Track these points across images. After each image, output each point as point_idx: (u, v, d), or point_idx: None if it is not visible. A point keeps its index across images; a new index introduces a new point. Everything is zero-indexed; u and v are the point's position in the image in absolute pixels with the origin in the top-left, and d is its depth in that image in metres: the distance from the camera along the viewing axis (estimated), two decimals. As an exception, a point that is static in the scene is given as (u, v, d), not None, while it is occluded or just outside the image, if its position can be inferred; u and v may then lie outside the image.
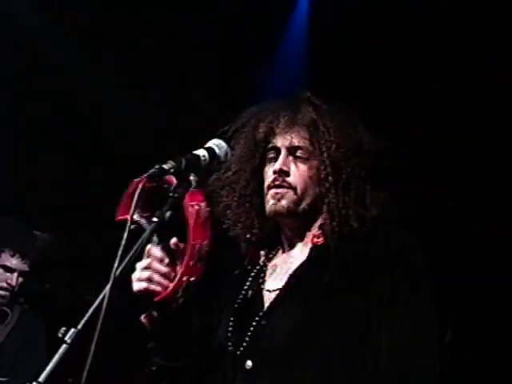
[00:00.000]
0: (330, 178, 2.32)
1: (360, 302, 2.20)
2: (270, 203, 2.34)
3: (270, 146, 2.40)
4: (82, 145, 6.03)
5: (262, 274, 2.39)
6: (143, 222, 2.11)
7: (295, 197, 2.32)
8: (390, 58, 5.40)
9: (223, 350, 2.30)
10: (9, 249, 4.26)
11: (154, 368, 2.28)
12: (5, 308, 4.29)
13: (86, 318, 1.81)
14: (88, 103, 5.91)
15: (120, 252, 1.88)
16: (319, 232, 2.34)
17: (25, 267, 4.26)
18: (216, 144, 2.23)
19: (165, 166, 2.06)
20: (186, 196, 2.10)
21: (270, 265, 2.42)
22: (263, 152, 2.42)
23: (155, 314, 2.17)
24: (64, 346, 1.76)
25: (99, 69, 5.86)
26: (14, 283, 4.20)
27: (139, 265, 2.09)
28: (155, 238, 2.09)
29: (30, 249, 4.27)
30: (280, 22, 5.85)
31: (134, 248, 1.97)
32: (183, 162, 2.10)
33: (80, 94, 5.89)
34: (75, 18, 5.56)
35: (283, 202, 2.31)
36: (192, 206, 2.09)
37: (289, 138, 2.37)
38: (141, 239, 1.98)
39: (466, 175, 5.48)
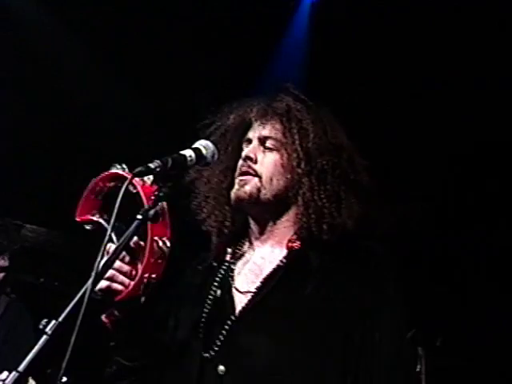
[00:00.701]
0: (302, 166, 2.28)
1: (339, 324, 2.17)
2: (234, 189, 2.32)
3: (245, 138, 2.40)
4: (80, 142, 6.06)
5: (231, 273, 2.34)
6: (103, 221, 2.15)
7: (259, 184, 2.29)
8: (389, 59, 5.44)
9: (189, 351, 2.26)
10: None
11: (115, 367, 2.26)
12: None
13: (67, 311, 1.85)
14: (85, 102, 5.95)
15: (102, 248, 1.92)
16: (294, 237, 2.30)
17: (3, 263, 4.35)
18: (203, 145, 2.24)
19: (151, 165, 2.06)
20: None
21: (237, 262, 2.37)
22: (238, 146, 2.41)
23: (117, 313, 2.15)
24: (44, 337, 1.80)
25: (98, 69, 5.91)
26: None
27: (100, 264, 2.00)
28: (115, 237, 2.07)
29: (8, 245, 4.36)
30: (280, 23, 5.89)
31: (119, 242, 2.00)
32: (169, 161, 2.11)
33: (76, 93, 5.94)
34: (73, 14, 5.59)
35: (246, 188, 2.29)
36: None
37: (260, 128, 2.36)
38: (124, 236, 2.01)
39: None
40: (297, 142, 2.31)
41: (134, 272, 2.11)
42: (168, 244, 2.08)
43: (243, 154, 2.35)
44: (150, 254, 2.06)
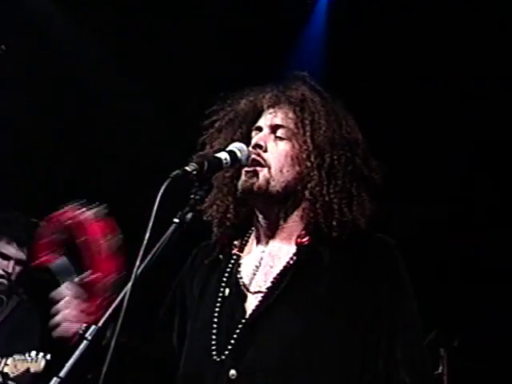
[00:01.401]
0: (312, 159, 2.18)
1: (355, 322, 2.10)
2: (241, 181, 2.22)
3: (255, 125, 2.31)
4: (94, 142, 6.05)
5: (238, 268, 2.24)
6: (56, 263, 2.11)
7: (268, 175, 2.19)
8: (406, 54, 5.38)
9: (200, 355, 2.17)
10: (6, 237, 4.32)
11: None
12: (1, 295, 4.34)
13: (106, 316, 1.82)
14: (97, 102, 5.95)
15: (141, 251, 1.88)
16: (303, 232, 2.21)
17: (21, 255, 4.29)
18: (238, 147, 2.20)
19: (187, 168, 2.02)
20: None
21: (244, 258, 2.27)
22: (247, 133, 2.32)
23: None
24: (85, 342, 1.78)
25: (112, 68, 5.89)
26: (10, 270, 4.25)
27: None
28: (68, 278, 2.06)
29: (28, 238, 4.22)
30: (297, 20, 5.84)
31: (156, 247, 1.96)
32: (206, 164, 2.07)
33: (89, 92, 5.93)
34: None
35: (254, 180, 2.19)
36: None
37: (272, 116, 2.27)
38: (162, 239, 1.97)
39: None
40: (308, 133, 2.21)
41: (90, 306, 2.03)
42: (112, 238, 2.04)
43: (253, 141, 2.25)
44: (98, 256, 2.02)
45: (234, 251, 2.29)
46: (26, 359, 3.92)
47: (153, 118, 5.95)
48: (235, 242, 2.30)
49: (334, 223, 2.13)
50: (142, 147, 5.88)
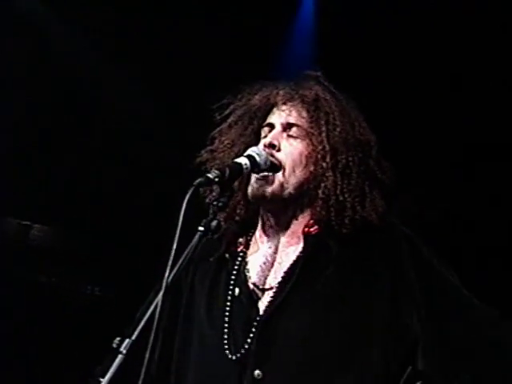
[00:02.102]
0: (327, 160, 2.18)
1: (373, 299, 2.10)
2: (253, 186, 2.20)
3: (266, 122, 2.29)
4: (91, 142, 6.03)
5: (246, 266, 2.23)
6: None
7: (282, 179, 2.18)
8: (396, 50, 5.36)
9: (214, 354, 2.15)
10: None
11: None
12: None
13: (139, 328, 1.82)
14: (102, 102, 5.93)
15: (170, 261, 1.88)
16: (311, 222, 2.20)
17: None
18: (256, 152, 2.19)
19: (210, 175, 2.04)
20: None
21: (251, 254, 2.26)
22: (258, 129, 2.31)
23: None
24: (120, 356, 1.78)
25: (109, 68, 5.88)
26: None
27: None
28: None
29: None
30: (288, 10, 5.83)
31: (183, 256, 1.96)
32: (227, 170, 2.08)
33: (89, 93, 5.92)
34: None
35: (267, 187, 2.18)
36: None
37: (285, 114, 2.26)
38: (189, 247, 1.98)
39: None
40: (323, 134, 2.22)
41: None
42: None
43: (266, 140, 2.24)
44: None
45: (240, 248, 2.28)
46: None
47: (153, 117, 5.93)
48: (240, 240, 2.29)
49: (346, 221, 2.14)
50: (142, 147, 5.87)
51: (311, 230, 2.20)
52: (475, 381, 2.04)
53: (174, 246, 1.90)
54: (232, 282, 2.22)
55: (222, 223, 2.21)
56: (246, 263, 2.24)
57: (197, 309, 2.25)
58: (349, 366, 2.07)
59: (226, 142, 2.32)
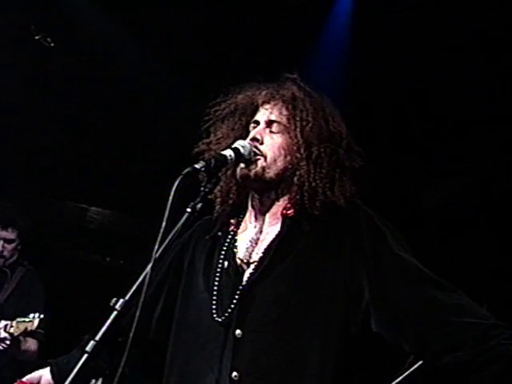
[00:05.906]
0: (301, 151, 2.51)
1: (336, 266, 2.42)
2: (240, 169, 2.55)
3: (254, 119, 2.67)
4: (142, 131, 6.31)
5: (235, 243, 2.59)
6: None
7: (264, 164, 2.53)
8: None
9: (202, 316, 2.51)
10: None
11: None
12: (4, 269, 5.25)
13: (131, 291, 2.21)
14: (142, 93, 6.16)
15: (159, 238, 2.22)
16: (288, 205, 2.54)
17: (9, 235, 5.20)
18: (241, 145, 2.55)
19: (197, 166, 2.37)
20: None
21: (240, 233, 2.61)
22: (246, 124, 2.68)
23: None
24: (115, 312, 2.18)
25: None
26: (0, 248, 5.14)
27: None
28: None
29: (9, 219, 5.21)
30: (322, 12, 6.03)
31: (172, 233, 2.29)
32: (213, 161, 2.43)
33: (140, 91, 6.15)
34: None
35: (252, 170, 2.53)
36: None
37: (268, 112, 2.63)
38: (177, 226, 2.32)
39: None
40: (298, 129, 2.55)
41: None
42: None
43: (250, 134, 2.59)
44: None
45: (231, 228, 2.66)
46: (25, 320, 4.69)
47: (153, 117, 6.13)
48: (232, 221, 2.67)
49: (318, 204, 2.49)
50: (143, 146, 6.12)
51: (288, 212, 2.55)
52: (418, 339, 2.34)
53: (163, 225, 2.22)
54: (222, 257, 2.60)
55: (218, 206, 2.65)
56: (236, 240, 2.61)
57: (195, 277, 2.65)
58: (316, 326, 2.41)
59: (220, 135, 2.70)
